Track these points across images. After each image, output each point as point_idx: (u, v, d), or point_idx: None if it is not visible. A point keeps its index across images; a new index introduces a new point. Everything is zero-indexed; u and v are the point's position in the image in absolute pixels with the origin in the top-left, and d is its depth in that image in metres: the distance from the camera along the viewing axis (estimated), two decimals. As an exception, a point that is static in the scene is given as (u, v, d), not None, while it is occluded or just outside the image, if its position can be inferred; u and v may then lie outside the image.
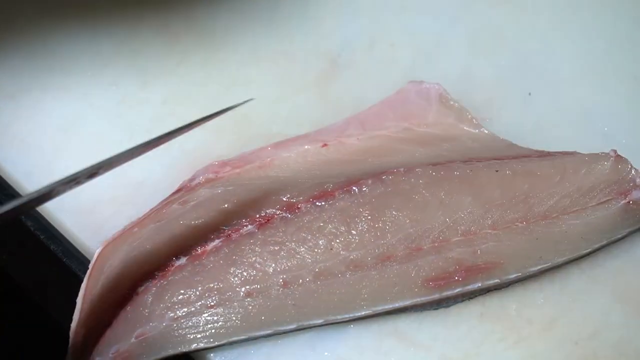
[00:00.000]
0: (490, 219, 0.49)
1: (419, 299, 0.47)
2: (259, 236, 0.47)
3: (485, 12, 0.61)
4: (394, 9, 0.62)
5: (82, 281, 0.46)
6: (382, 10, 0.61)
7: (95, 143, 0.54)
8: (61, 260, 0.51)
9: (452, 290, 0.47)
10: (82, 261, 0.51)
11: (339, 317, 0.46)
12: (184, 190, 0.49)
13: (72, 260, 0.52)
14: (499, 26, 0.61)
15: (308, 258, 0.47)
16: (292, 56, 0.59)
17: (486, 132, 0.54)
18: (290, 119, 0.56)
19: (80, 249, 0.51)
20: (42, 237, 0.52)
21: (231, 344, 0.47)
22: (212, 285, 0.46)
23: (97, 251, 0.47)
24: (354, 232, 0.47)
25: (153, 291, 0.46)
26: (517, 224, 0.49)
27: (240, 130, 0.55)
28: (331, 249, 0.47)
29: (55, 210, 0.52)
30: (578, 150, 0.53)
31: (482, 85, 0.59)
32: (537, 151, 0.52)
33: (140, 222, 0.48)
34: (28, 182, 0.52)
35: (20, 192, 0.52)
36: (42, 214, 0.52)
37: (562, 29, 0.61)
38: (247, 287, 0.46)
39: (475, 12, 0.62)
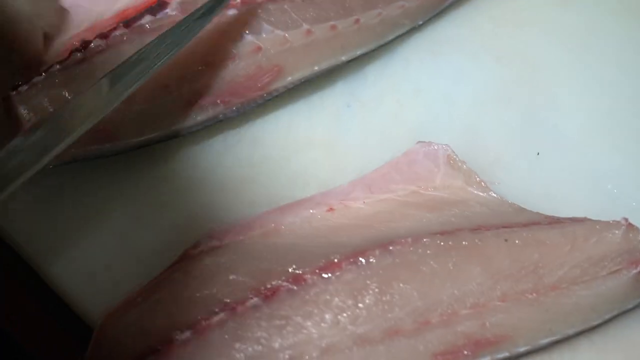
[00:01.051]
0: (499, 290, 0.48)
1: (427, 374, 0.46)
2: (265, 310, 0.46)
3: (491, 68, 0.61)
4: (400, 65, 0.61)
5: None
6: (388, 66, 0.60)
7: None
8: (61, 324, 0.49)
9: (461, 364, 0.46)
10: (83, 328, 0.49)
11: (346, 393, 0.45)
12: (187, 259, 0.48)
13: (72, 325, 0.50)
14: (505, 82, 0.60)
15: (314, 333, 0.46)
16: (296, 112, 0.57)
17: (494, 195, 0.53)
18: (295, 179, 0.56)
19: (81, 316, 0.50)
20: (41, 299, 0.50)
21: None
22: (217, 361, 0.45)
23: (99, 323, 0.46)
24: (361, 305, 0.46)
25: (156, 366, 0.45)
26: (526, 295, 0.48)
27: (244, 192, 0.55)
28: (338, 323, 0.46)
29: (56, 274, 0.50)
30: (588, 214, 0.51)
31: (489, 144, 0.58)
32: (546, 217, 0.51)
33: (143, 292, 0.47)
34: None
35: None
36: (42, 277, 0.51)
37: (569, 85, 0.60)
38: (253, 363, 0.45)
39: (481, 68, 0.61)
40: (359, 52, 0.59)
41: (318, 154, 0.56)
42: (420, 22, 0.62)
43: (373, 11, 0.59)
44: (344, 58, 0.58)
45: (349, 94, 0.59)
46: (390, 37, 0.60)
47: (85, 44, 0.52)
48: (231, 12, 0.55)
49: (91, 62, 0.52)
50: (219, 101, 0.54)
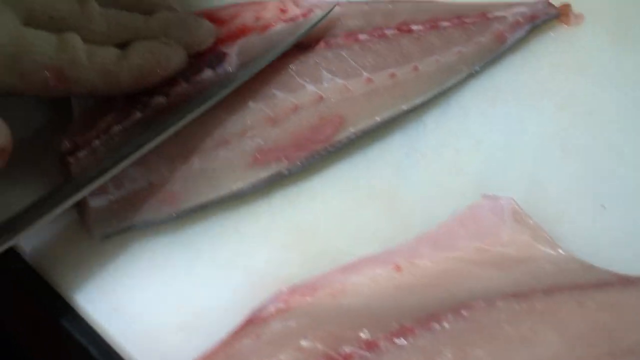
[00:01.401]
0: (574, 356, 0.46)
1: None
2: (339, 378, 0.45)
3: (551, 116, 0.60)
4: (458, 113, 0.60)
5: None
6: (446, 114, 0.60)
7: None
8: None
9: None
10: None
11: None
12: (254, 322, 0.47)
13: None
14: (566, 130, 0.59)
15: (390, 401, 0.44)
16: (355, 164, 0.56)
17: (563, 253, 0.52)
18: (357, 235, 0.54)
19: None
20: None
21: None
22: None
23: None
24: (436, 373, 0.45)
25: None
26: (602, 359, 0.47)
27: (306, 247, 0.54)
28: (413, 391, 0.44)
29: (118, 336, 0.49)
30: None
31: (552, 196, 0.57)
32: (618, 276, 0.51)
33: (211, 357, 0.46)
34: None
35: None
36: (104, 338, 0.49)
37: (632, 132, 0.58)
38: None
39: (541, 115, 0.60)
40: (418, 101, 0.58)
41: (379, 206, 0.55)
42: (477, 68, 0.61)
43: (431, 58, 0.59)
44: (404, 107, 0.57)
45: (408, 144, 0.58)
46: (448, 84, 0.60)
47: (145, 100, 0.51)
48: (289, 62, 0.53)
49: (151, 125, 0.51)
50: (282, 156, 0.52)
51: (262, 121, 0.53)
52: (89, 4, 0.51)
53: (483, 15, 0.62)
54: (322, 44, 0.57)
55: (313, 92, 0.54)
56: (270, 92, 0.53)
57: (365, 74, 0.56)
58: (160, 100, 0.52)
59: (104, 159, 0.50)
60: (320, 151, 0.54)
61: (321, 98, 0.54)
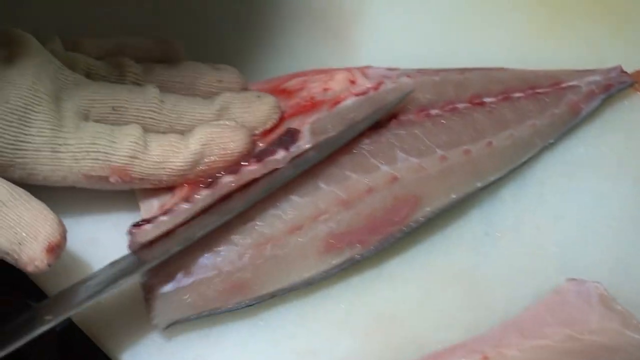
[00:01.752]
0: None
1: None
2: None
3: (631, 190, 0.58)
4: (535, 189, 0.58)
5: None
6: (523, 189, 0.58)
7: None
8: None
9: None
10: None
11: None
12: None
13: None
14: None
15: None
16: (433, 244, 0.54)
17: (656, 340, 0.48)
18: (439, 320, 0.52)
19: None
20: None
21: None
22: None
23: None
24: None
25: None
26: None
27: (388, 335, 0.51)
28: None
29: None
30: None
31: (638, 277, 0.54)
32: None
33: None
34: None
35: None
36: None
37: None
38: None
39: (619, 190, 0.58)
40: (493, 178, 0.56)
41: (459, 289, 0.53)
42: (552, 141, 0.58)
43: (505, 132, 0.56)
44: (479, 184, 0.55)
45: (486, 221, 0.56)
46: (524, 158, 0.57)
47: (214, 181, 0.50)
48: (363, 142, 0.51)
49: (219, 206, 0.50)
50: (356, 241, 0.51)
51: (335, 204, 0.51)
52: (150, 92, 0.50)
53: (556, 85, 0.60)
54: (394, 122, 0.54)
55: (387, 172, 0.52)
56: (344, 173, 0.51)
57: (439, 151, 0.54)
58: (229, 179, 0.50)
59: (170, 237, 0.49)
60: (396, 233, 0.52)
61: (395, 178, 0.52)
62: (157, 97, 0.50)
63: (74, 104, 0.48)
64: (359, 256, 0.51)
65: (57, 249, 0.44)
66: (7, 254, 0.43)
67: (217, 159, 0.50)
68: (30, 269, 0.43)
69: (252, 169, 0.50)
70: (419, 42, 0.64)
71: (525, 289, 0.53)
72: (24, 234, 0.43)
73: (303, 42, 0.63)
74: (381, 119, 0.54)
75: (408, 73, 0.58)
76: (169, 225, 0.49)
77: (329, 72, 0.58)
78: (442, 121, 0.56)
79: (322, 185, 0.51)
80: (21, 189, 0.45)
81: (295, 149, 0.51)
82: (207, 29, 0.63)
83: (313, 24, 0.64)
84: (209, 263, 0.50)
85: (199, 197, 0.50)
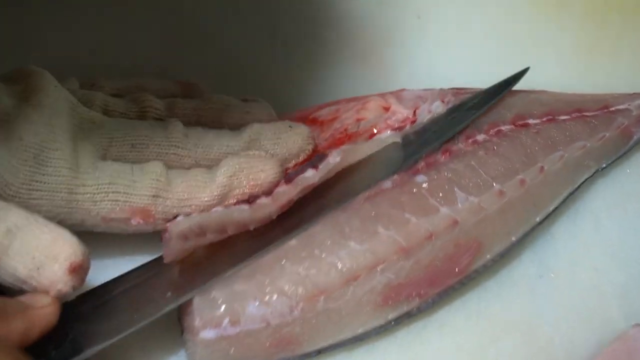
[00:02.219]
0: None
1: None
2: None
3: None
4: (589, 224, 0.55)
5: None
6: (576, 225, 0.54)
7: None
8: None
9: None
10: None
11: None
12: None
13: None
14: None
15: None
16: (485, 290, 0.51)
17: None
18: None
19: None
20: None
21: None
22: None
23: None
24: None
25: None
26: None
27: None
28: None
29: None
30: None
31: None
32: None
33: None
34: None
35: None
36: None
37: None
38: None
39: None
40: (550, 208, 0.52)
41: (515, 338, 0.50)
42: (604, 165, 0.55)
43: (555, 154, 0.53)
44: (537, 219, 0.52)
45: (539, 262, 0.52)
46: (578, 182, 0.54)
47: (252, 199, 0.45)
48: (420, 179, 0.46)
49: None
50: (414, 294, 0.47)
51: (394, 252, 0.47)
52: (173, 126, 0.46)
53: (604, 108, 0.56)
54: (445, 153, 0.51)
55: (447, 215, 0.47)
56: (403, 216, 0.46)
57: (496, 185, 0.50)
58: (265, 201, 0.46)
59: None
60: (455, 285, 0.48)
61: (456, 222, 0.47)
62: (180, 131, 0.46)
63: (91, 143, 0.44)
64: (416, 310, 0.48)
65: (80, 269, 0.40)
66: (25, 282, 0.39)
67: (247, 190, 0.46)
68: (53, 293, 0.39)
69: (282, 190, 0.46)
70: (453, 63, 0.60)
71: (585, 336, 0.50)
72: (42, 258, 0.39)
73: (332, 69, 0.59)
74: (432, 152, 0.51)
75: (443, 93, 0.54)
76: (202, 222, 0.44)
77: (360, 99, 0.54)
78: (494, 147, 0.52)
79: (381, 229, 0.46)
80: (37, 214, 0.41)
81: (324, 166, 0.46)
82: (231, 61, 0.58)
83: (342, 49, 0.60)
84: (257, 314, 0.45)
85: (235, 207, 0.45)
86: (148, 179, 0.44)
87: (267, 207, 0.45)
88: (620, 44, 0.62)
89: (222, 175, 0.45)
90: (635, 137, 0.56)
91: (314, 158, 0.48)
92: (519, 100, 0.55)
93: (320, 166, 0.47)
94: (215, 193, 0.45)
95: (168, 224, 0.43)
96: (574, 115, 0.55)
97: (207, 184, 0.45)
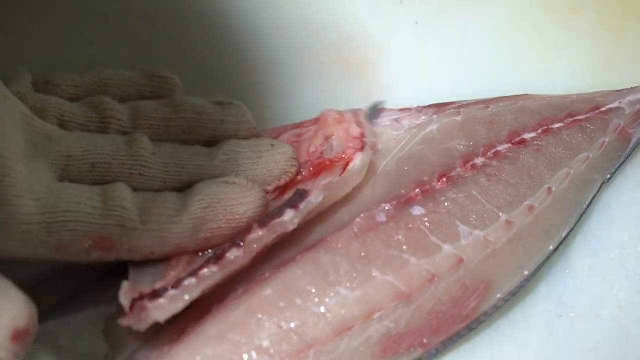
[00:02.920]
0: None
1: None
2: None
3: None
4: (611, 252, 0.49)
5: None
6: (598, 257, 0.49)
7: None
8: None
9: None
10: None
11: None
12: None
13: None
14: None
15: None
16: (497, 332, 0.46)
17: None
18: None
19: None
20: None
21: None
22: None
23: None
24: None
25: None
26: None
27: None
28: None
29: None
30: None
31: None
32: None
33: None
34: None
35: None
36: None
37: None
38: None
39: None
40: (564, 233, 0.47)
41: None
42: (609, 176, 0.50)
43: (560, 172, 0.48)
44: (551, 247, 0.46)
45: (557, 300, 0.47)
46: (588, 200, 0.49)
47: (220, 256, 0.40)
48: (417, 211, 0.41)
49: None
50: (417, 343, 0.42)
51: (392, 298, 0.42)
52: (139, 144, 0.41)
53: (596, 109, 0.51)
54: (444, 182, 0.46)
55: (451, 254, 0.42)
56: (401, 257, 0.41)
57: (502, 215, 0.45)
58: (236, 254, 0.40)
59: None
60: (461, 331, 0.43)
61: (461, 261, 0.42)
62: (147, 148, 0.41)
63: (45, 163, 0.39)
64: (419, 362, 0.41)
65: (25, 335, 0.35)
66: None
67: (223, 225, 0.41)
68: None
69: (256, 236, 0.40)
70: (449, 75, 0.55)
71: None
72: None
73: (323, 80, 0.54)
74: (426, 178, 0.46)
75: (423, 114, 0.50)
76: (181, 303, 0.39)
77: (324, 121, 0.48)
78: (495, 173, 0.47)
79: (376, 273, 0.41)
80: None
81: (305, 206, 0.41)
82: (208, 65, 0.53)
83: (334, 59, 0.55)
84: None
85: (205, 273, 0.40)
86: (111, 205, 0.39)
87: (238, 261, 0.39)
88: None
89: (195, 205, 0.40)
90: (634, 140, 0.51)
91: (294, 196, 0.42)
92: (508, 113, 0.50)
93: (301, 206, 0.42)
94: (188, 226, 0.40)
95: (148, 305, 0.38)
96: (567, 121, 0.50)
97: (178, 213, 0.40)
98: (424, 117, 0.49)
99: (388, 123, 0.49)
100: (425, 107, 0.50)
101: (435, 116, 0.49)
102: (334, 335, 0.41)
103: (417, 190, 0.45)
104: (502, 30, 0.56)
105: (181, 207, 0.40)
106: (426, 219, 0.44)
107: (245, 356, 0.39)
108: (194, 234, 0.40)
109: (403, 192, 0.45)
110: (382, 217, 0.44)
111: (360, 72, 0.55)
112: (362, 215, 0.43)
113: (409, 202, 0.44)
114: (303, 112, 0.50)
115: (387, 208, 0.44)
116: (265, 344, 0.40)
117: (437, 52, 0.55)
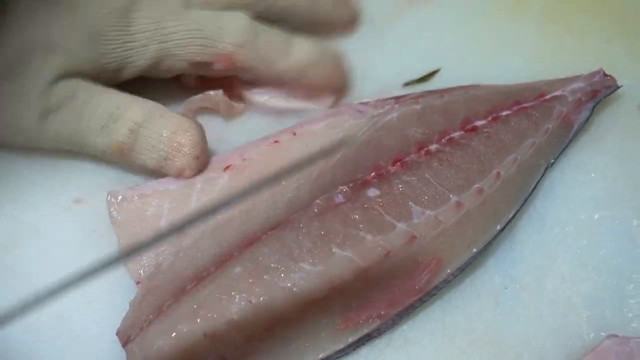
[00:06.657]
0: None
1: None
2: None
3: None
4: (554, 228, 0.52)
5: None
6: (541, 235, 0.52)
7: None
8: None
9: None
10: None
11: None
12: None
13: None
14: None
15: None
16: (449, 304, 0.50)
17: None
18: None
19: None
20: None
21: None
22: None
23: None
24: None
25: None
26: None
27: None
28: None
29: None
30: None
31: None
32: None
33: None
34: None
35: None
36: None
37: None
38: None
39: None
40: (510, 214, 0.50)
41: (482, 354, 0.48)
42: (552, 161, 0.53)
43: (508, 158, 0.51)
44: (498, 227, 0.49)
45: (503, 273, 0.50)
46: (532, 184, 0.52)
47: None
48: (372, 192, 0.45)
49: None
50: (375, 315, 0.45)
51: (351, 272, 0.45)
52: None
53: (541, 97, 0.54)
54: (398, 166, 0.49)
55: (404, 231, 0.45)
56: (358, 234, 0.44)
57: (453, 197, 0.48)
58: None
59: None
60: (415, 304, 0.47)
61: (414, 238, 0.45)
62: None
63: None
64: (376, 332, 0.46)
65: (202, 154, 0.47)
66: (154, 171, 0.47)
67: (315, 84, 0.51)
68: (182, 179, 0.47)
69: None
70: (405, 70, 0.59)
71: (556, 350, 0.48)
72: (168, 150, 0.46)
73: None
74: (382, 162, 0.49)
75: (386, 104, 0.53)
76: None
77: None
78: (448, 158, 0.50)
79: (336, 249, 0.44)
80: (152, 103, 0.47)
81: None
82: None
83: None
84: (208, 349, 0.43)
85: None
86: (234, 28, 0.47)
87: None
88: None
89: (301, 54, 0.50)
90: (575, 126, 0.54)
91: None
92: (461, 101, 0.53)
93: None
94: (292, 68, 0.50)
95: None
96: (514, 108, 0.53)
97: (286, 51, 0.49)
98: (387, 107, 0.52)
99: (351, 112, 0.52)
100: (387, 98, 0.53)
101: (396, 105, 0.52)
102: (298, 310, 0.43)
103: (373, 174, 0.48)
104: (456, 25, 0.59)
105: (290, 46, 0.50)
106: (380, 200, 0.47)
107: (218, 330, 0.42)
108: (298, 76, 0.51)
109: (360, 175, 0.48)
110: (339, 198, 0.47)
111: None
112: (322, 196, 0.46)
113: (365, 184, 0.47)
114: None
115: (344, 190, 0.47)
116: (237, 317, 0.42)
117: (393, 47, 0.58)
